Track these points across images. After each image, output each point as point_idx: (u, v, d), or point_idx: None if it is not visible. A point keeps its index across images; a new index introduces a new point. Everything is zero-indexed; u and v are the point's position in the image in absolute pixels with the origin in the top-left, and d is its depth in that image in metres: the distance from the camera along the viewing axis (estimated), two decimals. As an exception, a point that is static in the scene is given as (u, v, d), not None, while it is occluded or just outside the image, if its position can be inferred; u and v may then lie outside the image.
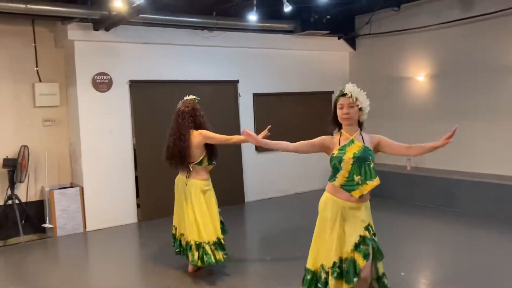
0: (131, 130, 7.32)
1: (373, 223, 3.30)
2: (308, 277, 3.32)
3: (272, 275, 4.84)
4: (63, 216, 6.75)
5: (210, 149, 4.80)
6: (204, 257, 4.58)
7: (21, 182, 6.62)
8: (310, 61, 9.14)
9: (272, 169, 8.67)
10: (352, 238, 3.14)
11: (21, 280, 5.06)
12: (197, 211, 4.67)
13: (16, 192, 6.58)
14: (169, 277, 4.86)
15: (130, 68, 7.25)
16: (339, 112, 3.22)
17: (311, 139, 3.36)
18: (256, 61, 8.51)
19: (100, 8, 6.35)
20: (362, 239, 3.13)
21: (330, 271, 3.18)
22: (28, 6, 5.99)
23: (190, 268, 4.90)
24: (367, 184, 3.15)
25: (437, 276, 4.83)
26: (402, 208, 7.54)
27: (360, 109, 3.20)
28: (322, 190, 3.39)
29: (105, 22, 6.62)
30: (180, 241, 4.90)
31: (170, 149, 4.72)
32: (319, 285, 3.25)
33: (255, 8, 6.76)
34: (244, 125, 8.17)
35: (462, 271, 4.77)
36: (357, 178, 3.15)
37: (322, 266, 3.25)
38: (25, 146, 6.65)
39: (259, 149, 8.47)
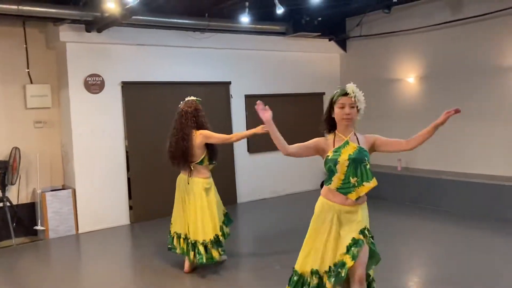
0: (123, 131, 7.31)
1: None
2: (295, 278, 3.29)
3: (266, 275, 4.87)
4: (55, 218, 6.72)
5: (210, 149, 4.87)
6: (200, 256, 4.68)
7: (12, 184, 6.58)
8: (302, 63, 9.20)
9: (264, 170, 8.70)
10: (345, 241, 3.09)
11: (12, 283, 5.03)
12: (198, 210, 4.74)
13: (7, 194, 6.54)
14: (163, 278, 4.87)
15: (122, 69, 7.24)
16: (339, 112, 3.11)
17: (303, 140, 3.21)
18: (248, 63, 8.54)
19: (92, 10, 6.34)
20: (355, 242, 3.06)
21: (325, 275, 3.12)
22: (20, 7, 5.95)
23: (186, 267, 4.94)
24: (363, 185, 3.08)
25: (428, 276, 4.89)
26: (393, 208, 7.59)
27: (358, 110, 3.13)
28: (314, 191, 3.40)
29: (98, 24, 6.60)
30: (173, 238, 4.96)
31: (173, 149, 4.77)
32: None
33: (247, 10, 6.80)
34: (236, 126, 8.20)
35: (453, 270, 4.83)
36: (353, 180, 3.08)
37: (311, 271, 3.18)
38: (16, 148, 6.61)
39: (251, 150, 8.50)
